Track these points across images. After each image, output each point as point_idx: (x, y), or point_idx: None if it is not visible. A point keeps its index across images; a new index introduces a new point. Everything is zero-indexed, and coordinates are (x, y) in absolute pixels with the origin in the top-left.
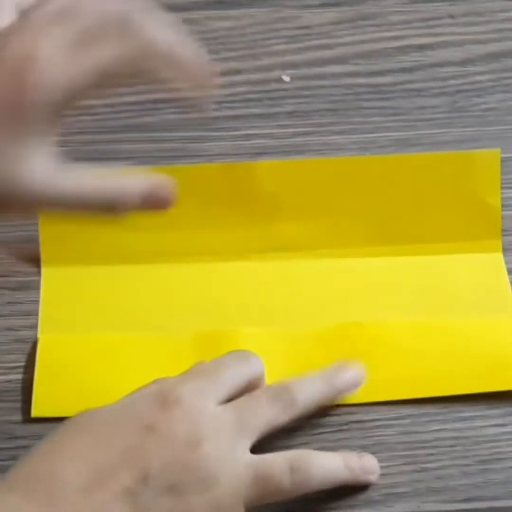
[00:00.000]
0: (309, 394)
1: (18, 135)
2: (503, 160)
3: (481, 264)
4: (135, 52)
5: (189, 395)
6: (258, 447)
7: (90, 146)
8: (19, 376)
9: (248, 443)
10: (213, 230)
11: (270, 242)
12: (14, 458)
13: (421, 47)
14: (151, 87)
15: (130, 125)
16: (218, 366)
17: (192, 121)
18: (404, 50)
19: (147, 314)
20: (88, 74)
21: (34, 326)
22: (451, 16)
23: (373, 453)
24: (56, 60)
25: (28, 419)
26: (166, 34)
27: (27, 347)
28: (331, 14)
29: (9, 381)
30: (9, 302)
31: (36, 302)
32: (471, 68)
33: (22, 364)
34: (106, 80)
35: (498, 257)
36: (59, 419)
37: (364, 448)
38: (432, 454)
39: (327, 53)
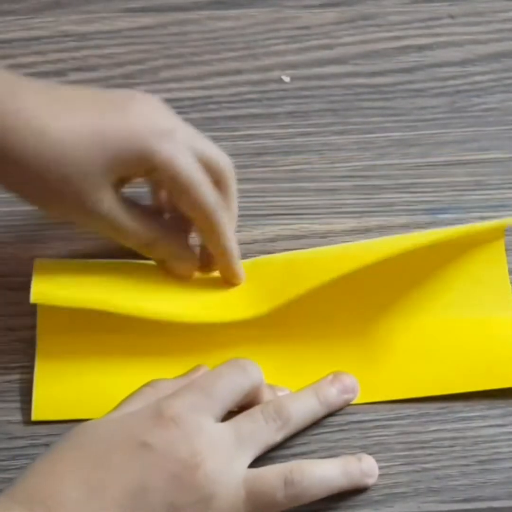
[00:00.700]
0: (304, 413)
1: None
2: (503, 160)
3: (482, 264)
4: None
5: (186, 412)
6: None
7: None
8: (19, 376)
9: (245, 462)
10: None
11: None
12: (14, 458)
13: (421, 47)
14: None
15: None
16: (215, 379)
17: (191, 122)
18: (404, 50)
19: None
20: None
21: (34, 326)
22: (451, 16)
23: (373, 453)
24: None
25: (28, 420)
26: None
27: (27, 347)
28: (331, 14)
29: (9, 381)
30: (8, 302)
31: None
32: (471, 68)
33: (22, 364)
34: None
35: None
36: (59, 421)
37: (364, 449)
38: (431, 454)
39: (327, 53)
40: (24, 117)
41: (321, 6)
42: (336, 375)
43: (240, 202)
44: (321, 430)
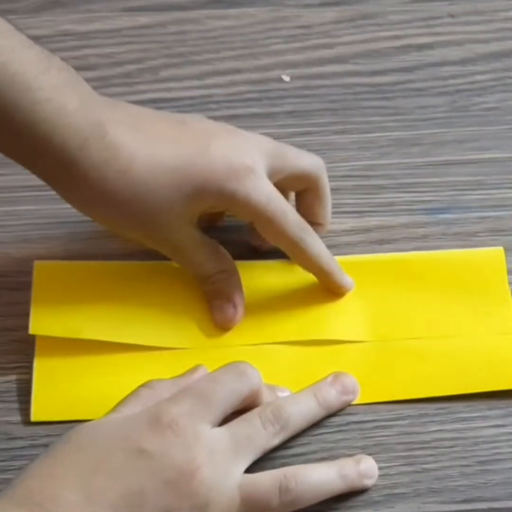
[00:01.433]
0: (303, 416)
1: None
2: (503, 160)
3: (482, 266)
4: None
5: (183, 419)
6: None
7: None
8: (19, 377)
9: (241, 467)
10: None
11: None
12: (13, 458)
13: (421, 47)
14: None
15: None
16: (214, 384)
17: None
18: (404, 49)
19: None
20: None
21: None
22: (451, 15)
23: (373, 454)
24: None
25: (27, 420)
26: None
27: (27, 347)
28: (331, 13)
29: (8, 381)
30: (8, 302)
31: None
32: (471, 68)
33: (22, 364)
34: None
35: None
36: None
37: (364, 449)
38: (431, 455)
39: (327, 53)
40: (108, 147)
41: (321, 5)
42: (336, 376)
43: None
44: (321, 431)
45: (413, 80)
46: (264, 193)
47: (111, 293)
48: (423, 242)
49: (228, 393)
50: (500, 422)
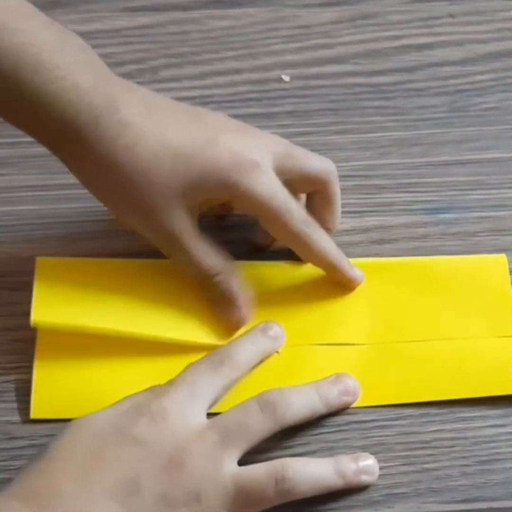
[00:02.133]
0: (303, 406)
1: None
2: (503, 160)
3: (485, 272)
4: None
5: (172, 407)
6: (257, 449)
7: None
8: (19, 376)
9: (233, 456)
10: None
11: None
12: (13, 458)
13: (421, 47)
14: None
15: None
16: (198, 377)
17: None
18: (404, 49)
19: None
20: None
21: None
22: (451, 16)
23: (373, 453)
24: None
25: (27, 419)
26: None
27: (27, 347)
28: (330, 13)
29: (8, 381)
30: (8, 302)
31: None
32: (471, 68)
33: (22, 364)
34: None
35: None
36: (58, 420)
37: (364, 449)
38: (431, 455)
39: (326, 53)
40: (119, 124)
41: (321, 5)
42: (338, 376)
43: None
44: (321, 430)
45: (413, 80)
46: (269, 187)
47: (113, 288)
48: (423, 242)
49: (214, 384)
50: (500, 422)
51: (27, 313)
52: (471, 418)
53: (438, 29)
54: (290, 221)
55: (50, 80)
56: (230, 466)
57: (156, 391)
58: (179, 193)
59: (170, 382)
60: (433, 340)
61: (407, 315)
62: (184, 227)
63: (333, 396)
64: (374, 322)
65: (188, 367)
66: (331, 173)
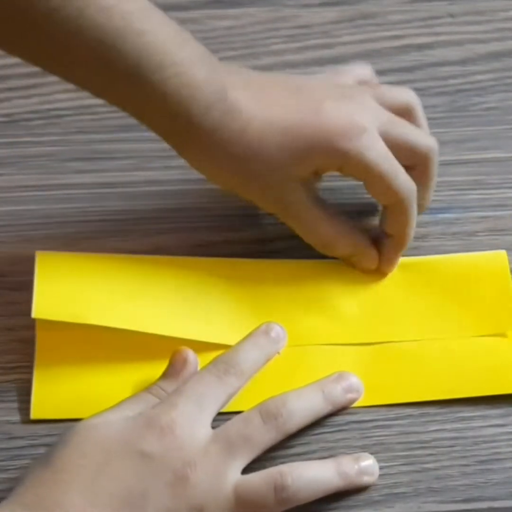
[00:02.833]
0: (307, 410)
1: None
2: (503, 160)
3: (485, 269)
4: None
5: (183, 422)
6: None
7: (89, 146)
8: (19, 377)
9: (237, 468)
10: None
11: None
12: (13, 458)
13: (421, 47)
14: None
15: (129, 125)
16: (204, 387)
17: None
18: (404, 49)
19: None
20: None
21: (34, 326)
22: (451, 15)
23: (373, 453)
24: None
25: (27, 419)
26: None
27: (27, 347)
28: (330, 13)
29: (8, 381)
30: (8, 302)
31: None
32: (471, 68)
33: (22, 364)
34: None
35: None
36: (58, 420)
37: (364, 449)
38: (431, 455)
39: (326, 53)
40: (229, 110)
41: (321, 5)
42: (341, 374)
43: (240, 200)
44: (321, 430)
45: (413, 80)
46: (378, 152)
47: (114, 282)
48: (423, 241)
49: (217, 394)
50: (500, 421)
51: (27, 313)
52: (471, 418)
53: (438, 29)
54: (395, 185)
55: (169, 76)
56: (232, 478)
57: (164, 402)
58: (289, 166)
59: (178, 393)
60: (433, 339)
61: (408, 314)
62: (299, 198)
63: (338, 393)
64: (374, 321)
65: (194, 376)
66: (434, 150)
